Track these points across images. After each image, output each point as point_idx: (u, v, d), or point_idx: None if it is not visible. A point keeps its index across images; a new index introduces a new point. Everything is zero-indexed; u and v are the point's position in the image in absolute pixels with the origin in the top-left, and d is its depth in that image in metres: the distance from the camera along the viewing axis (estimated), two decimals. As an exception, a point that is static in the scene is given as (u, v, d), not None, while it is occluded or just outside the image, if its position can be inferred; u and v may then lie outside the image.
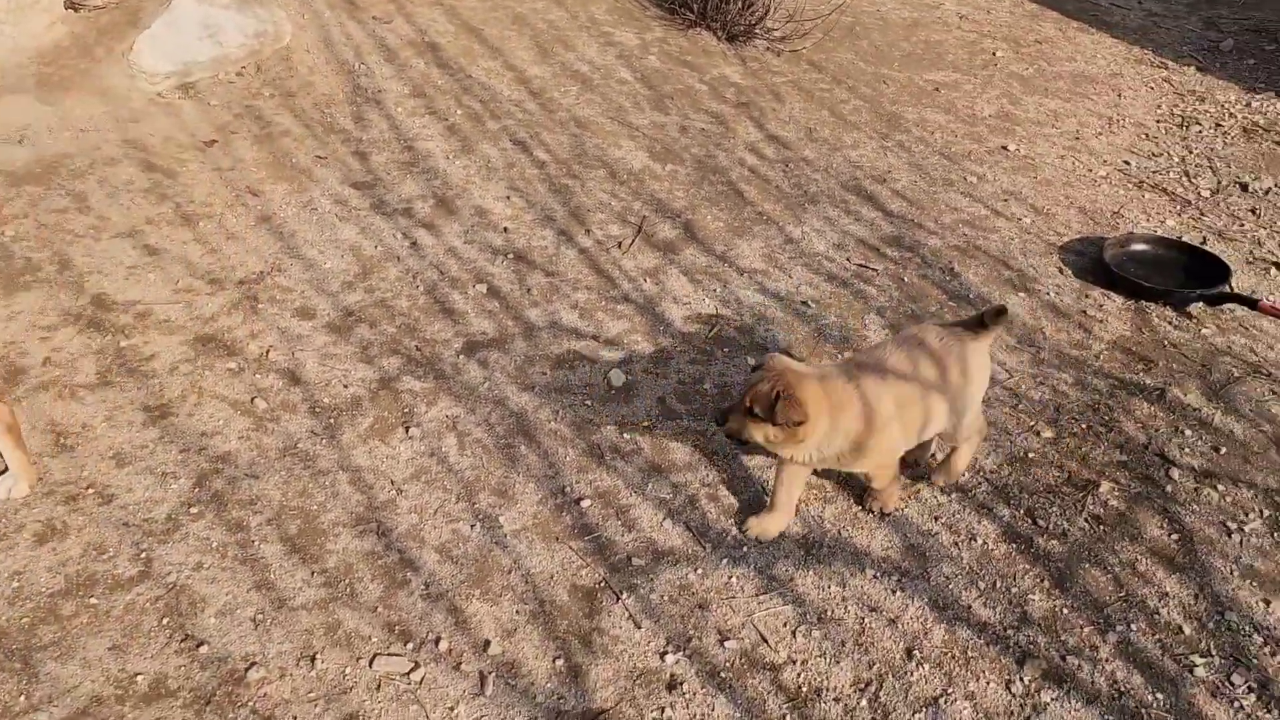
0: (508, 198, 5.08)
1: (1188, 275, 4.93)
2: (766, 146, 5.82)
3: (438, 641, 3.00)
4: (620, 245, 4.86)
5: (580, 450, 3.73)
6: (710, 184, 5.41)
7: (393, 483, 3.51)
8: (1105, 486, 3.72)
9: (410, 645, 2.99)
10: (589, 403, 3.94)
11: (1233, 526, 3.59)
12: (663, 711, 2.86)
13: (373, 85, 5.81)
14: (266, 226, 4.70)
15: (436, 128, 5.55)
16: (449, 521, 3.39)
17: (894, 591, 3.28)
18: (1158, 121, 6.59)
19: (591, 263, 4.72)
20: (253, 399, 3.79)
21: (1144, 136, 6.39)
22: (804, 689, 2.96)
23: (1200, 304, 4.72)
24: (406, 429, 3.74)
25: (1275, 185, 5.86)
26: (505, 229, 4.86)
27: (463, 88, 5.91)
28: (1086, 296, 4.81)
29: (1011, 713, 2.94)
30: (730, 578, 3.29)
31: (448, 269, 4.56)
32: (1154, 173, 5.97)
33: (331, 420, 3.73)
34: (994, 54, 7.23)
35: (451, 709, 2.83)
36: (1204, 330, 4.62)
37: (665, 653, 3.02)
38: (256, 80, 5.68)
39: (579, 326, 4.33)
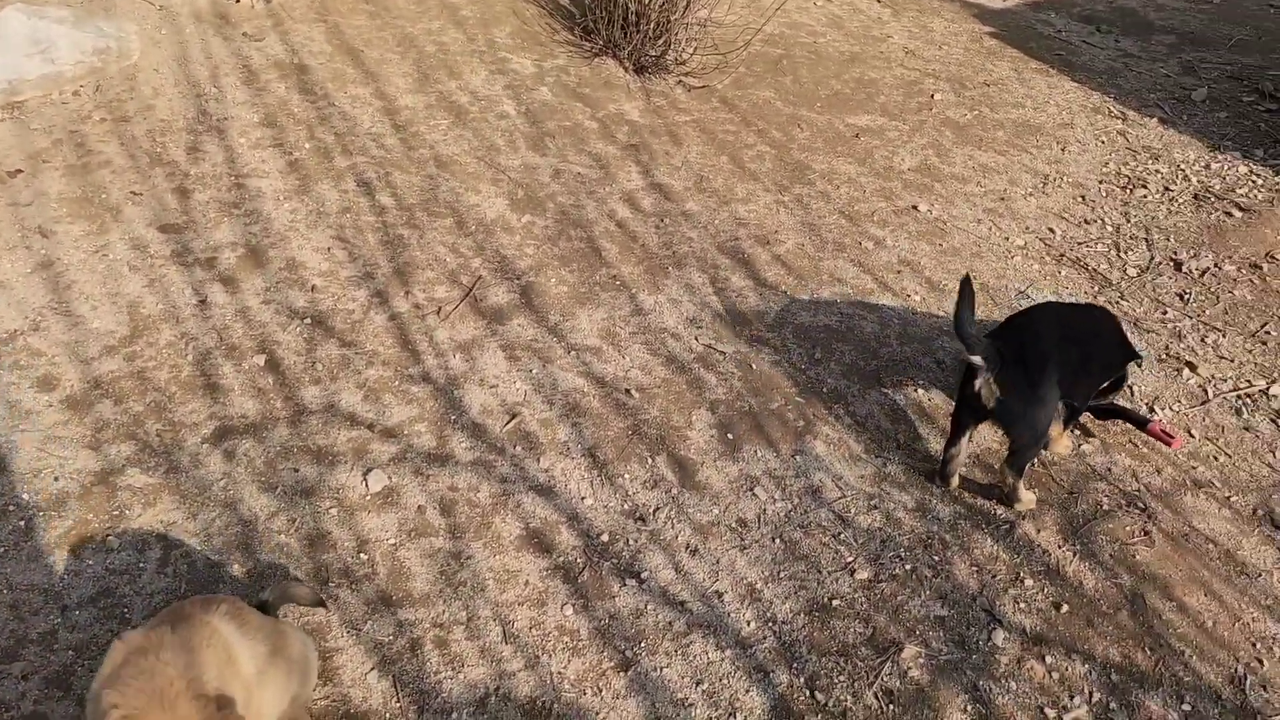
0: (329, 249, 4.57)
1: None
2: (646, 197, 5.26)
3: (31, 831, 2.50)
4: (440, 311, 4.34)
5: (304, 571, 3.23)
6: (568, 239, 4.87)
7: (63, 608, 3.02)
8: (910, 651, 3.15)
9: (-3, 834, 2.49)
10: (335, 510, 3.43)
11: (1051, 715, 3.01)
12: None
13: (220, 111, 5.32)
14: (44, 275, 4.22)
15: (277, 163, 5.05)
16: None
17: (616, 784, 2.74)
18: (1100, 182, 5.94)
19: (400, 332, 4.20)
20: (-59, 492, 3.31)
21: (1080, 199, 5.75)
22: None
23: (1087, 414, 4.11)
24: (107, 538, 3.24)
25: (1214, 265, 5.21)
26: (313, 287, 4.36)
27: (321, 117, 5.40)
28: (960, 396, 4.22)
29: None
30: (425, 754, 2.77)
31: (230, 334, 4.06)
32: (1080, 244, 5.34)
33: (22, 523, 3.25)
34: (932, 96, 6.61)
35: None
36: (1085, 446, 4.02)
37: None
38: (91, 101, 5.21)
39: (358, 411, 3.81)
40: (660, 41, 6.16)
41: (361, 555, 3.30)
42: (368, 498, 3.49)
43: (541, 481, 3.64)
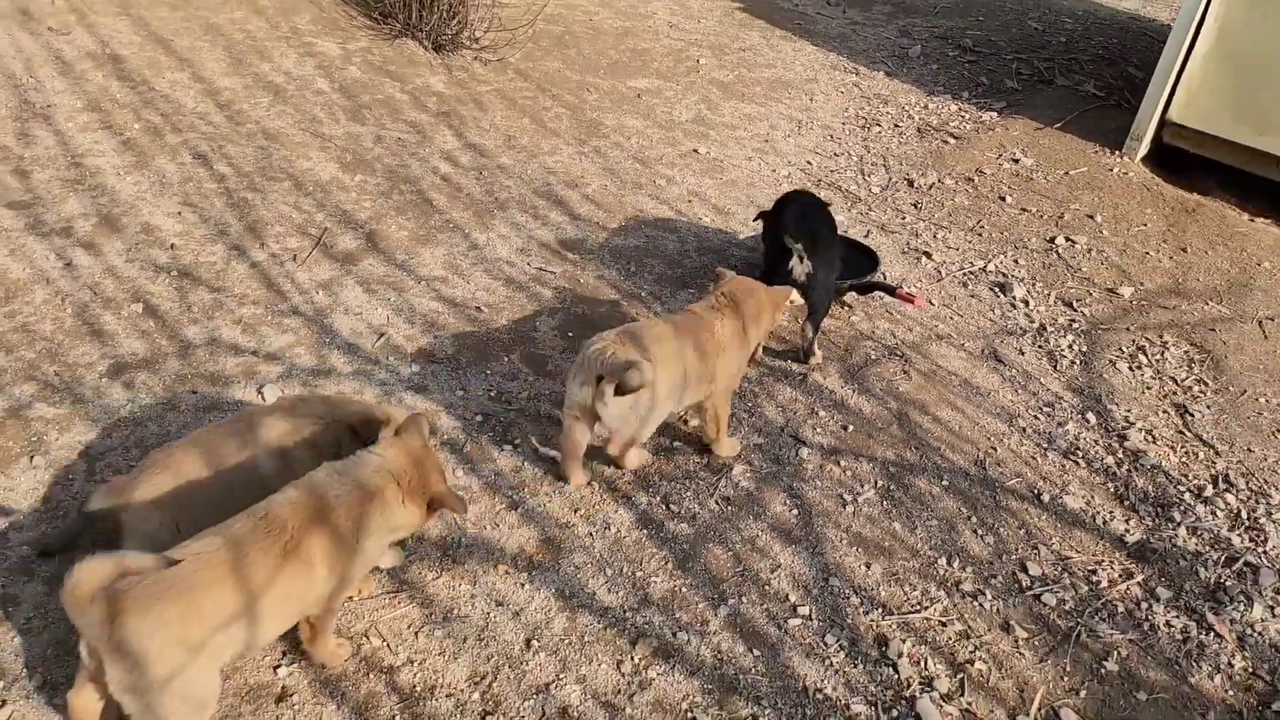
0: (179, 213, 4.95)
1: (844, 267, 5.28)
2: (463, 155, 5.88)
3: (31, 677, 2.90)
4: (296, 258, 4.81)
5: (223, 468, 3.67)
6: (400, 193, 5.43)
7: (7, 513, 3.37)
8: (738, 469, 3.96)
9: (1, 683, 2.88)
10: (238, 420, 3.88)
11: (848, 499, 3.89)
12: (272, 730, 2.87)
13: (42, 100, 5.53)
14: (-100, 252, 4.41)
15: (110, 143, 5.34)
16: (64, 554, 3.27)
17: (523, 585, 3.39)
18: (843, 124, 7.03)
19: (263, 277, 4.65)
20: None
21: (829, 138, 6.82)
22: (418, 688, 3.02)
23: (851, 293, 5.07)
24: (31, 458, 3.59)
25: (938, 180, 6.36)
26: (172, 245, 4.73)
27: (144, 101, 5.71)
28: (752, 290, 5.10)
29: (619, 690, 3.09)
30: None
31: (103, 289, 4.41)
32: (833, 171, 6.38)
33: (-54, 454, 3.54)
34: (698, 61, 7.55)
35: (39, 744, 2.75)
36: (853, 317, 4.98)
37: (279, 665, 3.03)
38: (-95, 96, 5.31)
39: (240, 342, 4.26)
40: (455, 21, 6.77)
41: (271, 450, 3.78)
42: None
43: (416, 382, 4.22)
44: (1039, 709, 3.18)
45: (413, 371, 4.26)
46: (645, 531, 3.66)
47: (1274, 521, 4.06)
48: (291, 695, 2.95)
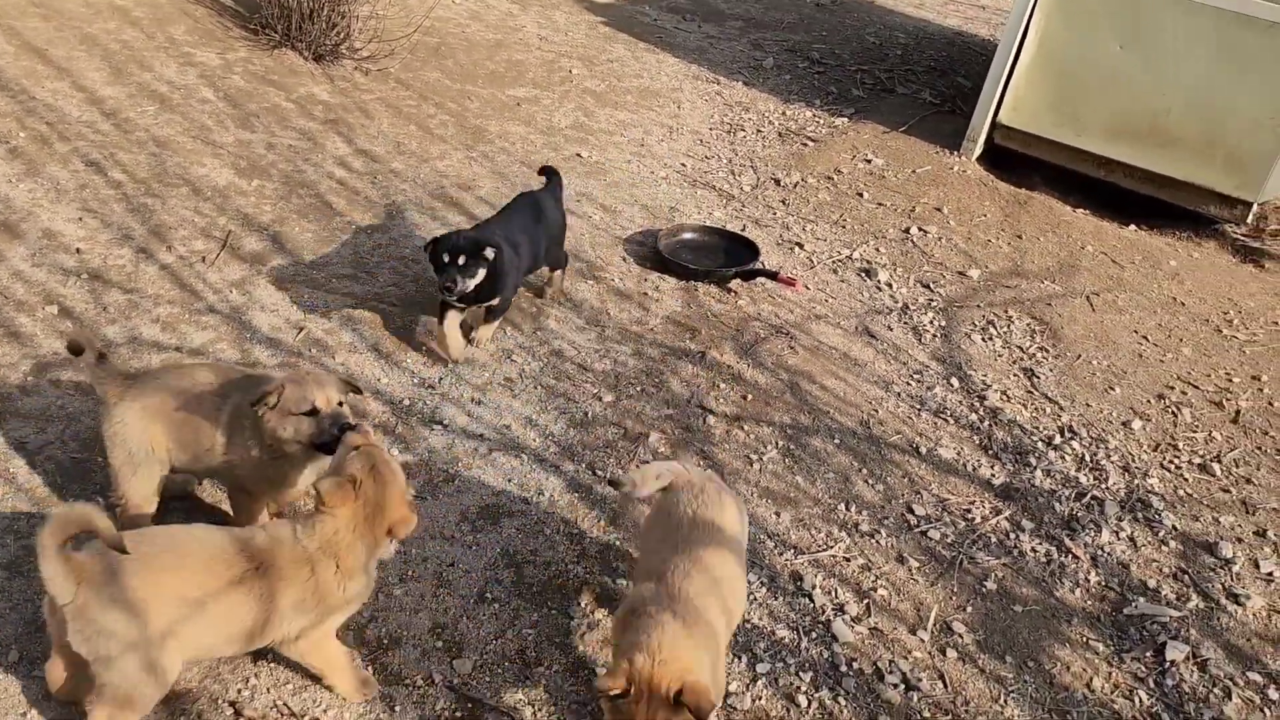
0: (80, 219, 4.97)
1: (728, 257, 5.74)
2: (355, 160, 6.06)
3: (7, 653, 2.99)
4: (205, 259, 4.91)
5: (163, 456, 3.78)
6: (299, 197, 5.57)
7: None
8: (654, 437, 4.32)
9: (-24, 662, 2.96)
10: (172, 411, 3.99)
11: (754, 458, 4.30)
12: (247, 682, 3.04)
13: (-83, 108, 5.43)
14: None
15: (-4, 151, 5.29)
16: (17, 539, 3.35)
17: (469, 547, 3.65)
18: (710, 129, 7.52)
19: (174, 278, 4.74)
20: None
21: (699, 142, 7.28)
22: (385, 640, 3.25)
23: (737, 279, 5.52)
24: (-32, 454, 3.62)
25: (801, 180, 6.91)
26: (78, 250, 4.76)
27: (26, 110, 5.66)
28: (645, 280, 5.48)
29: (570, 631, 3.39)
30: (317, 555, 3.50)
31: (13, 293, 4.42)
32: (706, 173, 6.85)
33: (-123, 454, 3.54)
34: (570, 72, 7.91)
35: (24, 714, 2.85)
36: (740, 301, 5.42)
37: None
38: None
39: (161, 340, 4.35)
40: (335, 32, 6.92)
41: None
42: (197, 399, 4.08)
43: (342, 373, 4.41)
44: (934, 624, 3.65)
45: (337, 363, 4.44)
46: (576, 495, 3.96)
47: (1112, 463, 4.68)
48: (266, 654, 3.12)
